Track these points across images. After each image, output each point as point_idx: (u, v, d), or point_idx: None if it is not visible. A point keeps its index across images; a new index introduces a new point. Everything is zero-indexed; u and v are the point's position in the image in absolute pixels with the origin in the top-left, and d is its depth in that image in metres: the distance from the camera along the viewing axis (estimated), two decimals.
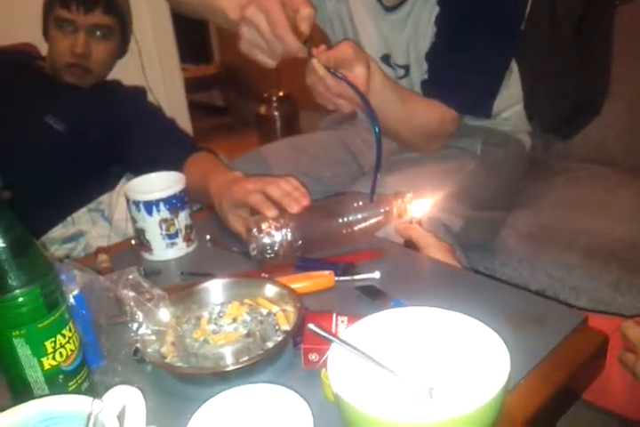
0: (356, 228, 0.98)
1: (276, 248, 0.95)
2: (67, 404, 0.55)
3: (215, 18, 1.13)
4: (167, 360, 0.74)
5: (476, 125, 1.46)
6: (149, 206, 1.02)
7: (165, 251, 1.05)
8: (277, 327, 0.77)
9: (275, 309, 0.80)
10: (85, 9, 1.48)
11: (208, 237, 1.09)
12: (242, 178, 1.08)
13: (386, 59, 1.40)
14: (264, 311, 0.80)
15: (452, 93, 1.22)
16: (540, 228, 1.49)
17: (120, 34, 1.59)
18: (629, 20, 1.66)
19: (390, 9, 1.33)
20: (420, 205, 1.00)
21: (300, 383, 0.66)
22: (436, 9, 1.26)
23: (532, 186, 1.65)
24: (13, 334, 0.61)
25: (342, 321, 0.75)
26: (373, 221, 0.99)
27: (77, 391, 0.67)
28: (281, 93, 3.89)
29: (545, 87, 1.64)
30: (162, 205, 1.02)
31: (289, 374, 0.73)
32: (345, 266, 0.94)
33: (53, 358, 0.64)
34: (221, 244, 1.07)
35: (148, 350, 0.75)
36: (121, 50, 1.64)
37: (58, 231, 1.50)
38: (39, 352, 0.63)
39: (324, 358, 0.69)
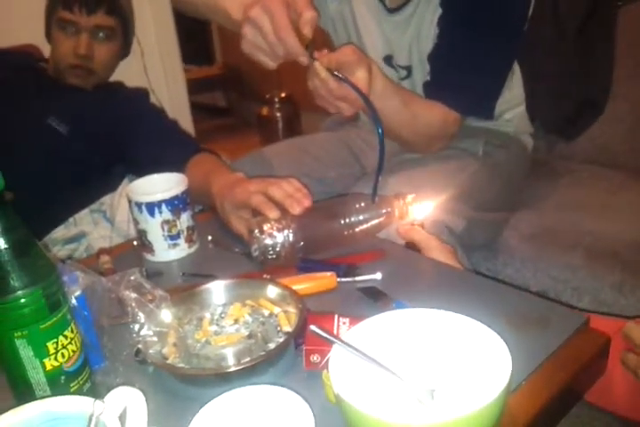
0: (357, 229, 0.98)
1: (277, 249, 0.95)
2: (68, 405, 0.55)
3: (218, 18, 1.13)
4: (169, 361, 0.74)
5: (478, 127, 1.46)
6: (151, 208, 1.02)
7: (167, 252, 1.05)
8: (279, 329, 0.77)
9: (276, 310, 0.80)
10: (88, 10, 1.48)
11: (210, 238, 1.09)
12: (244, 179, 1.08)
13: (388, 60, 1.40)
14: (266, 312, 0.80)
15: (454, 95, 1.22)
16: (543, 229, 1.49)
17: (123, 35, 1.59)
18: (632, 21, 1.66)
19: (393, 10, 1.33)
20: (421, 207, 1.00)
21: (302, 385, 0.66)
22: (439, 10, 1.26)
23: (535, 187, 1.65)
24: (15, 335, 0.61)
25: (344, 322, 0.75)
26: (375, 222, 0.99)
27: (79, 392, 0.67)
28: (283, 95, 3.90)
29: (547, 88, 1.64)
30: (164, 206, 1.02)
31: (290, 376, 0.73)
32: (347, 267, 0.93)
33: (55, 358, 0.64)
34: (223, 245, 1.07)
35: (150, 351, 0.75)
36: (124, 51, 1.64)
37: (60, 232, 1.50)
38: (41, 353, 0.63)
39: (325, 359, 0.69)
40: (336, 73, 0.98)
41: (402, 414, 0.62)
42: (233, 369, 0.70)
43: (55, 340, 0.63)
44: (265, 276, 0.92)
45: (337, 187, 1.49)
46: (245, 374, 0.70)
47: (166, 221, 1.03)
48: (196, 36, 4.23)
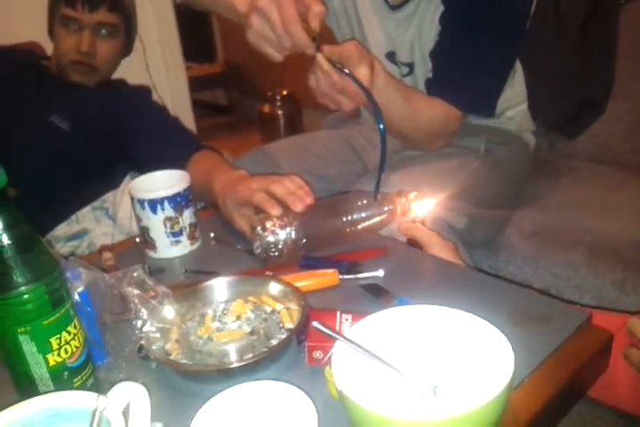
0: (359, 226, 0.98)
1: (280, 246, 0.95)
2: (72, 400, 0.55)
3: (223, 10, 1.13)
4: (171, 357, 0.74)
5: (479, 124, 1.46)
6: (154, 205, 1.02)
7: (170, 249, 1.05)
8: (281, 325, 0.77)
9: (279, 306, 0.80)
10: (90, 7, 1.48)
11: (212, 235, 1.09)
12: (246, 177, 1.08)
13: (391, 56, 1.40)
14: (268, 309, 0.80)
15: (455, 92, 1.22)
16: (544, 227, 1.49)
17: (125, 32, 1.59)
18: (633, 20, 1.65)
19: (395, 7, 1.33)
20: (423, 204, 1.00)
21: (304, 381, 0.66)
22: (441, 8, 1.26)
23: (536, 185, 1.65)
24: (19, 330, 0.61)
25: (346, 319, 0.75)
26: (377, 219, 0.99)
27: (82, 388, 0.67)
28: (284, 92, 3.89)
29: (549, 86, 1.64)
30: (166, 203, 1.02)
31: (293, 372, 0.73)
32: (349, 264, 0.94)
33: (58, 354, 0.64)
34: (225, 242, 1.07)
35: (153, 347, 0.75)
36: (126, 48, 1.64)
37: (62, 229, 1.51)
38: (44, 349, 0.63)
39: (328, 355, 0.69)
40: (339, 66, 0.98)
41: (404, 410, 0.62)
42: (235, 365, 0.70)
43: (58, 336, 0.64)
44: (267, 273, 0.93)
45: (339, 184, 1.49)
46: (248, 370, 0.70)
47: (169, 218, 1.03)
48: (197, 33, 4.22)
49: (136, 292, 0.78)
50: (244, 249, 1.02)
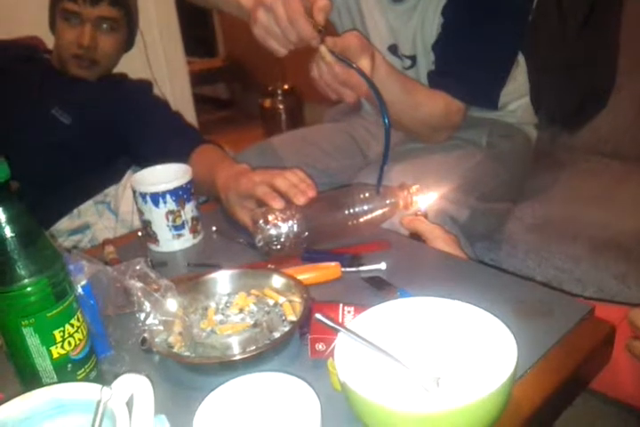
0: (361, 219, 0.98)
1: (282, 240, 0.95)
2: (76, 391, 0.55)
3: (228, 6, 1.13)
4: (174, 350, 0.74)
5: (482, 117, 1.45)
6: (156, 198, 1.02)
7: (172, 242, 1.05)
8: (284, 318, 0.77)
9: (281, 299, 0.80)
10: (92, 1, 1.48)
11: (214, 228, 1.10)
12: (248, 170, 1.08)
13: (393, 49, 1.40)
14: (271, 302, 0.81)
15: (458, 84, 1.22)
16: (547, 219, 1.49)
17: (126, 26, 1.58)
18: (637, 12, 1.65)
19: (397, 0, 1.33)
20: (425, 197, 1.00)
21: (307, 373, 0.66)
22: (443, 0, 1.25)
23: (539, 178, 1.65)
24: (22, 323, 0.62)
25: (349, 311, 0.75)
26: (379, 212, 0.99)
27: (85, 380, 0.68)
28: (286, 86, 3.89)
29: (552, 79, 1.64)
30: (168, 196, 1.02)
31: (296, 364, 0.73)
32: (351, 257, 0.94)
33: (62, 346, 0.64)
34: (228, 235, 1.07)
35: (156, 339, 0.75)
36: (127, 43, 1.64)
37: (64, 223, 1.51)
38: (48, 341, 0.63)
39: (330, 347, 0.69)
40: (342, 58, 0.98)
41: (407, 401, 0.62)
42: (238, 358, 0.70)
43: (62, 328, 0.64)
44: (270, 266, 0.93)
45: (341, 177, 1.49)
46: (251, 362, 0.70)
47: (171, 212, 1.03)
48: (198, 28, 4.22)
49: (139, 285, 0.78)
50: (247, 242, 1.02)
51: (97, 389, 0.52)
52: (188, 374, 0.73)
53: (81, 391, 0.55)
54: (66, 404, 0.55)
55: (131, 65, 1.77)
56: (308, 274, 0.89)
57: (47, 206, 1.44)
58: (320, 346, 0.72)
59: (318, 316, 0.66)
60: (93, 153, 1.53)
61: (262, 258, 0.97)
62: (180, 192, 1.03)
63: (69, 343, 0.65)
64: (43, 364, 0.64)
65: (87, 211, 1.53)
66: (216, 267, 0.91)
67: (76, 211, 1.53)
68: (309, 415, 0.56)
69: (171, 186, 1.02)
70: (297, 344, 0.76)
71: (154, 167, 1.11)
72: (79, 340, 0.66)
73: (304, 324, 0.74)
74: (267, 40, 1.01)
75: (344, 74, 0.99)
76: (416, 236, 1.00)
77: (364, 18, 1.39)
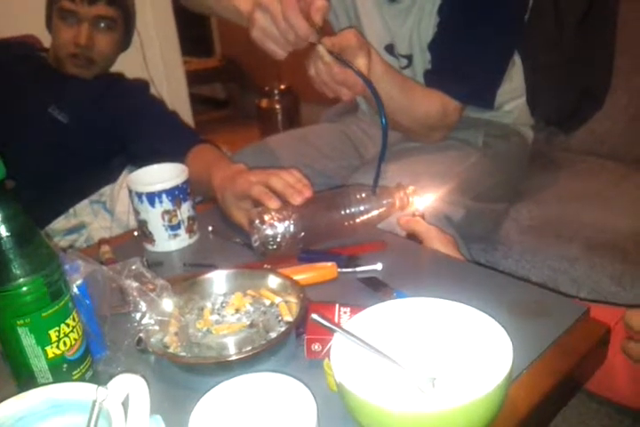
0: (358, 220, 0.98)
1: (278, 240, 0.95)
2: (71, 391, 0.55)
3: (226, 11, 1.14)
4: (170, 350, 0.74)
5: (477, 118, 1.46)
6: (152, 198, 1.02)
7: (168, 242, 1.05)
8: (280, 318, 0.77)
9: (277, 300, 0.80)
10: (89, 0, 1.47)
11: (210, 228, 1.09)
12: (244, 170, 1.08)
13: (389, 48, 1.40)
14: (267, 302, 0.81)
15: (454, 83, 1.22)
16: (542, 220, 1.49)
17: (123, 26, 1.58)
18: (633, 12, 1.65)
19: None
20: (422, 198, 1.00)
21: (303, 374, 0.66)
22: None
23: (535, 178, 1.65)
24: (18, 322, 0.61)
25: (345, 312, 0.75)
26: (376, 213, 0.99)
27: (81, 380, 0.67)
28: (282, 86, 3.89)
29: (548, 80, 1.64)
30: (164, 196, 1.02)
31: (292, 365, 0.73)
32: (347, 258, 0.94)
33: (57, 347, 0.64)
34: (224, 235, 1.07)
35: (152, 339, 0.75)
36: (124, 42, 1.64)
37: (60, 223, 1.50)
38: (43, 341, 0.63)
39: (326, 348, 0.69)
40: (340, 57, 0.98)
41: (403, 402, 0.62)
42: (234, 358, 0.70)
43: (57, 328, 0.64)
44: (266, 266, 0.93)
45: (337, 177, 1.49)
46: (246, 363, 0.70)
47: (167, 212, 1.03)
48: (195, 27, 4.21)
49: (135, 285, 0.78)
50: (243, 242, 1.02)
51: (92, 389, 0.52)
52: (184, 374, 0.73)
53: (76, 391, 0.55)
54: (61, 404, 0.55)
55: (127, 64, 1.77)
56: (304, 274, 0.88)
57: (43, 206, 1.44)
58: (316, 346, 0.72)
59: (314, 316, 0.66)
60: (90, 152, 1.53)
61: (258, 258, 0.97)
62: (177, 192, 1.03)
63: (65, 343, 0.65)
64: (38, 364, 0.64)
65: (83, 210, 1.53)
66: (212, 267, 0.91)
67: (71, 210, 1.53)
68: (306, 416, 0.55)
69: (167, 186, 1.02)
70: (293, 345, 0.76)
71: (150, 167, 1.11)
72: (75, 340, 0.66)
73: (300, 324, 0.74)
74: (265, 43, 1.01)
75: (341, 73, 0.99)
76: (413, 236, 1.00)
77: (360, 17, 1.39)
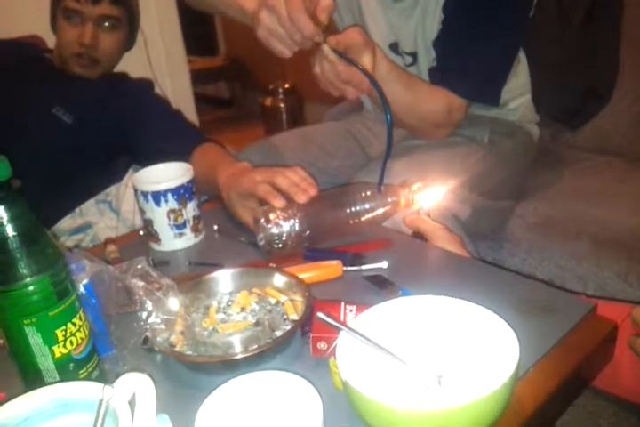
0: (363, 218, 0.98)
1: (283, 238, 0.95)
2: (78, 390, 0.55)
3: (231, 11, 1.14)
4: (176, 349, 0.74)
5: (483, 115, 1.45)
6: (157, 197, 1.02)
7: (173, 241, 1.05)
8: (286, 317, 0.77)
9: (283, 298, 0.80)
10: (93, 0, 1.48)
11: (216, 227, 1.09)
12: (250, 169, 1.08)
13: (394, 47, 1.40)
14: (272, 301, 0.80)
15: (459, 80, 1.22)
16: (548, 218, 1.49)
17: (127, 25, 1.58)
18: (638, 9, 1.65)
19: None
20: (427, 196, 1.00)
21: (309, 372, 0.66)
22: None
23: (540, 176, 1.65)
24: (24, 322, 0.62)
25: (351, 310, 0.75)
26: (381, 211, 0.99)
27: (88, 379, 0.68)
28: (287, 85, 3.89)
29: (553, 77, 1.64)
30: (170, 195, 1.02)
31: (298, 363, 0.73)
32: (353, 256, 0.94)
33: (64, 346, 0.64)
34: (229, 234, 1.07)
35: (158, 338, 0.75)
36: (128, 41, 1.64)
37: (66, 222, 1.51)
38: (50, 340, 0.63)
39: (332, 346, 0.69)
40: (345, 56, 0.98)
41: (409, 400, 0.62)
42: (240, 356, 0.70)
43: (64, 327, 0.64)
44: (271, 265, 0.93)
45: (342, 176, 1.49)
46: (252, 361, 0.70)
47: (172, 211, 1.03)
48: (199, 26, 4.22)
49: (141, 284, 0.78)
50: (248, 241, 1.02)
51: (99, 388, 0.52)
52: (190, 373, 0.73)
53: (83, 390, 0.55)
54: (68, 403, 0.55)
55: (131, 64, 1.77)
56: (309, 273, 0.88)
57: (49, 205, 1.44)
58: (322, 345, 0.72)
59: (320, 315, 0.66)
60: (94, 152, 1.53)
61: (264, 257, 0.97)
62: (182, 191, 1.03)
63: (71, 342, 0.65)
64: (45, 363, 0.64)
65: (89, 210, 1.54)
66: (217, 266, 0.91)
67: (77, 210, 1.53)
68: (311, 414, 0.55)
69: (172, 185, 1.02)
70: (299, 343, 0.76)
71: (155, 166, 1.11)
72: (81, 339, 0.66)
73: (306, 323, 0.74)
74: (271, 42, 1.01)
75: (346, 71, 0.99)
76: (419, 235, 1.00)
77: (364, 16, 1.39)
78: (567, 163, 1.75)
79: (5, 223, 0.59)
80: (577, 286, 1.36)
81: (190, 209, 1.05)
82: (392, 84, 1.11)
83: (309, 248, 0.97)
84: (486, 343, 0.64)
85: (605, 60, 1.69)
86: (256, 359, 0.71)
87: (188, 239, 1.06)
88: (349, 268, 0.91)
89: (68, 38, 1.51)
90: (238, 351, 0.73)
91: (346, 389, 0.60)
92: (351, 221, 0.98)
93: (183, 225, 1.05)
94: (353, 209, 0.98)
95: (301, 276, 0.85)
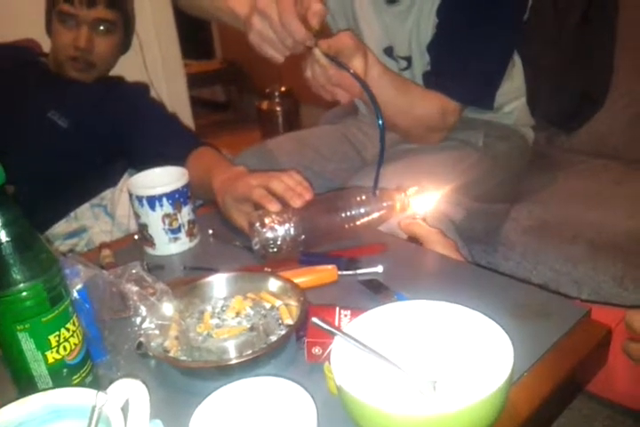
0: (358, 222, 0.98)
1: (279, 243, 0.95)
2: (71, 397, 0.55)
3: (224, 16, 1.14)
4: (170, 354, 0.74)
5: (478, 118, 1.46)
6: (152, 201, 1.02)
7: (168, 246, 1.05)
8: (280, 321, 0.77)
9: (278, 303, 0.80)
10: (88, 3, 1.47)
11: (211, 231, 1.09)
12: (245, 173, 1.08)
13: (389, 51, 1.40)
14: (267, 305, 0.80)
15: (453, 84, 1.22)
16: (544, 221, 1.49)
17: (123, 29, 1.58)
18: (633, 13, 1.65)
19: (392, 1, 1.33)
20: (423, 200, 1.00)
21: (304, 377, 0.67)
22: (438, 0, 1.25)
23: (535, 179, 1.65)
24: (17, 327, 0.61)
25: (345, 315, 0.75)
26: (376, 215, 0.99)
27: (81, 385, 0.67)
28: (283, 89, 3.89)
29: (547, 81, 1.64)
30: (165, 199, 1.02)
31: (292, 368, 0.73)
32: (348, 260, 0.94)
33: (57, 351, 0.64)
34: (224, 238, 1.07)
35: (152, 344, 0.75)
36: (124, 45, 1.64)
37: (61, 227, 1.50)
38: (43, 346, 0.63)
39: (327, 351, 0.69)
40: (335, 59, 0.98)
41: (404, 405, 0.62)
42: (235, 362, 0.70)
43: (57, 333, 0.64)
44: (266, 269, 0.93)
45: (338, 180, 1.49)
46: (247, 366, 0.70)
47: (167, 215, 1.03)
48: (195, 30, 4.22)
49: (135, 289, 0.78)
50: (243, 246, 1.02)
51: (92, 394, 0.52)
52: (184, 378, 0.73)
53: (76, 397, 0.55)
54: (61, 409, 0.55)
55: (127, 67, 1.77)
56: (304, 277, 0.88)
57: (44, 209, 1.43)
58: (316, 350, 0.71)
59: (315, 319, 0.66)
60: (90, 156, 1.53)
61: (259, 261, 0.97)
62: (177, 195, 1.03)
63: (65, 348, 0.65)
64: (38, 369, 0.64)
65: (84, 214, 1.53)
66: (212, 270, 0.91)
67: (72, 214, 1.53)
68: (306, 420, 0.55)
69: (167, 189, 1.02)
70: (293, 348, 0.76)
71: (150, 170, 1.11)
72: (75, 344, 0.66)
73: (300, 327, 0.74)
74: (263, 47, 1.01)
75: (338, 75, 0.99)
76: (414, 239, 1.00)
77: (358, 20, 1.40)
78: (562, 166, 1.75)
79: None
80: (572, 289, 1.36)
81: (185, 213, 1.05)
82: (384, 88, 1.12)
83: (304, 252, 0.97)
84: (481, 348, 0.64)
85: (601, 62, 1.70)
86: (251, 364, 0.70)
87: (182, 244, 1.06)
88: (344, 272, 0.91)
89: (63, 42, 1.51)
90: (233, 357, 0.73)
91: (340, 394, 0.60)
92: (346, 226, 0.98)
93: (178, 229, 1.04)
94: (348, 213, 0.98)
95: (296, 280, 0.85)
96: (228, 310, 0.80)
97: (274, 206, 0.96)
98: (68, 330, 0.65)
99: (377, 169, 0.99)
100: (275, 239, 0.95)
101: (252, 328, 0.76)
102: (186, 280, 0.90)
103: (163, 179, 1.07)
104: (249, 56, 1.05)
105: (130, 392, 0.54)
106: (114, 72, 1.67)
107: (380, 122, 0.96)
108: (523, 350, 0.62)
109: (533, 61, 1.51)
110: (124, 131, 1.51)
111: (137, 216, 1.05)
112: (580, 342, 0.74)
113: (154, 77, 2.39)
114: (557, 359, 0.71)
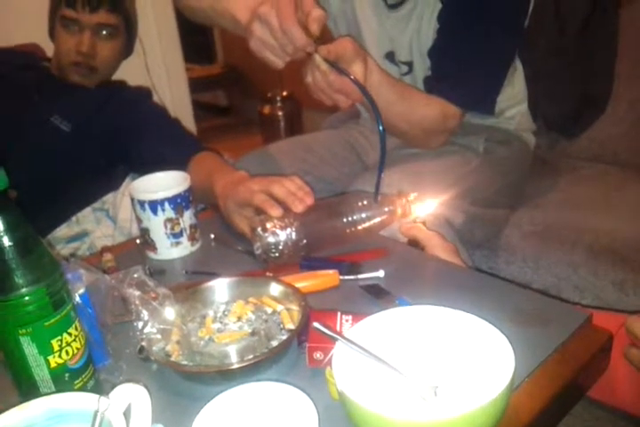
0: (360, 227, 0.98)
1: (280, 247, 0.95)
2: (73, 401, 0.55)
3: (225, 22, 1.15)
4: (172, 359, 0.74)
5: (478, 124, 1.46)
6: (154, 206, 1.02)
7: (170, 250, 1.05)
8: (282, 326, 0.77)
9: (279, 307, 0.80)
10: (91, 8, 1.48)
11: (212, 236, 1.09)
12: (246, 178, 1.08)
13: (390, 56, 1.41)
14: (269, 310, 0.80)
15: (454, 89, 1.23)
16: (545, 226, 1.49)
17: (125, 33, 1.59)
18: (634, 19, 1.66)
19: (393, 6, 1.33)
20: (423, 205, 1.00)
21: (305, 382, 0.66)
22: (439, 5, 1.26)
23: (536, 184, 1.65)
24: (20, 332, 0.61)
25: (347, 320, 0.75)
26: (377, 220, 0.99)
27: (83, 390, 0.67)
28: (284, 93, 3.90)
29: (549, 86, 1.64)
30: (167, 204, 1.02)
31: (294, 373, 0.73)
32: (349, 265, 0.94)
33: (60, 356, 0.64)
34: (226, 243, 1.07)
35: (154, 348, 0.75)
36: (126, 49, 1.64)
37: (62, 231, 1.51)
38: (45, 350, 0.63)
39: (328, 356, 0.69)
40: (335, 65, 0.99)
41: (405, 410, 0.62)
42: (236, 366, 0.70)
43: (59, 337, 0.64)
44: (268, 274, 0.93)
45: (339, 184, 1.49)
46: (248, 371, 0.70)
47: (169, 220, 1.03)
48: (197, 34, 4.23)
49: (137, 293, 0.78)
50: (245, 250, 1.02)
51: (94, 398, 0.52)
52: (186, 383, 0.73)
53: (78, 401, 0.55)
54: (63, 414, 0.55)
55: (129, 72, 1.78)
56: (306, 282, 0.88)
57: (46, 213, 1.44)
58: (318, 355, 0.71)
59: (316, 324, 0.66)
60: (92, 160, 1.54)
61: (260, 266, 0.97)
62: (179, 200, 1.03)
63: (67, 353, 0.65)
64: (40, 373, 0.64)
65: (85, 218, 1.53)
66: (214, 275, 0.91)
67: (74, 218, 1.53)
68: (307, 425, 0.55)
69: (169, 193, 1.02)
70: (295, 353, 0.76)
71: (152, 175, 1.11)
72: (77, 349, 0.66)
73: (302, 332, 0.74)
74: (263, 53, 1.02)
75: (338, 81, 1.00)
76: (415, 243, 1.00)
77: (359, 25, 1.40)
78: (563, 171, 1.76)
79: (1, 234, 0.59)
80: (573, 294, 1.36)
81: (187, 218, 1.05)
82: (385, 93, 1.12)
83: (306, 257, 0.97)
84: (482, 354, 0.64)
85: (602, 68, 1.70)
86: (252, 369, 0.71)
87: (184, 248, 1.06)
88: (346, 277, 0.91)
89: (65, 47, 1.52)
90: (234, 361, 0.73)
91: (342, 399, 0.60)
92: (348, 230, 0.98)
93: (180, 234, 1.05)
94: (350, 218, 0.98)
95: (298, 285, 0.85)
96: (230, 314, 0.80)
97: (275, 211, 0.96)
98: (70, 334, 0.65)
99: (378, 174, 0.99)
100: (276, 244, 0.95)
101: (253, 333, 0.76)
102: (187, 285, 0.91)
103: (165, 183, 1.07)
104: (250, 60, 1.05)
105: (132, 397, 0.55)
106: (116, 76, 1.68)
107: (381, 128, 0.96)
108: (524, 355, 0.62)
109: (535, 67, 1.52)
110: (125, 135, 1.52)
111: (139, 220, 1.05)
112: (582, 348, 0.74)
113: (156, 82, 2.40)
114: (558, 365, 0.71)
